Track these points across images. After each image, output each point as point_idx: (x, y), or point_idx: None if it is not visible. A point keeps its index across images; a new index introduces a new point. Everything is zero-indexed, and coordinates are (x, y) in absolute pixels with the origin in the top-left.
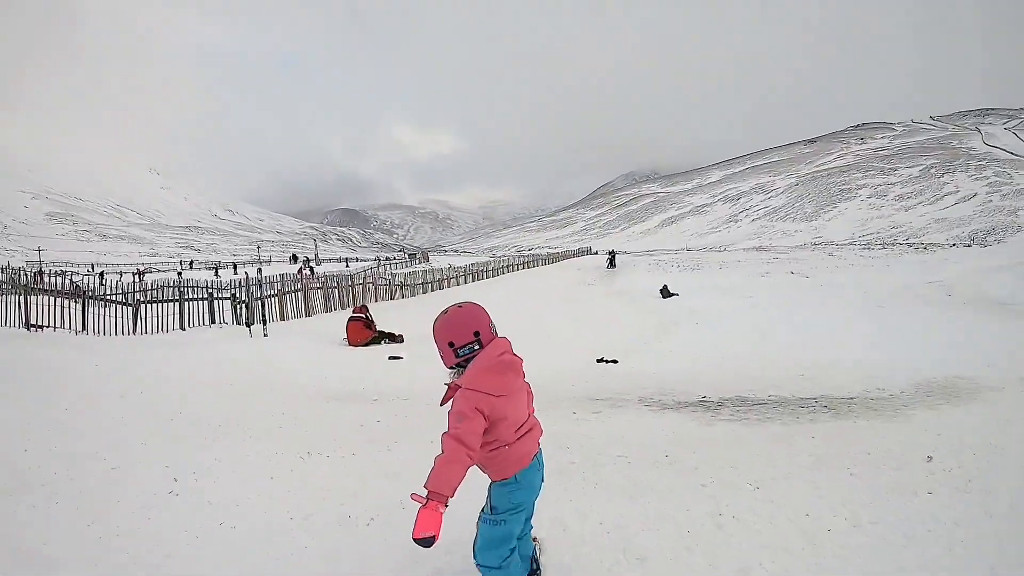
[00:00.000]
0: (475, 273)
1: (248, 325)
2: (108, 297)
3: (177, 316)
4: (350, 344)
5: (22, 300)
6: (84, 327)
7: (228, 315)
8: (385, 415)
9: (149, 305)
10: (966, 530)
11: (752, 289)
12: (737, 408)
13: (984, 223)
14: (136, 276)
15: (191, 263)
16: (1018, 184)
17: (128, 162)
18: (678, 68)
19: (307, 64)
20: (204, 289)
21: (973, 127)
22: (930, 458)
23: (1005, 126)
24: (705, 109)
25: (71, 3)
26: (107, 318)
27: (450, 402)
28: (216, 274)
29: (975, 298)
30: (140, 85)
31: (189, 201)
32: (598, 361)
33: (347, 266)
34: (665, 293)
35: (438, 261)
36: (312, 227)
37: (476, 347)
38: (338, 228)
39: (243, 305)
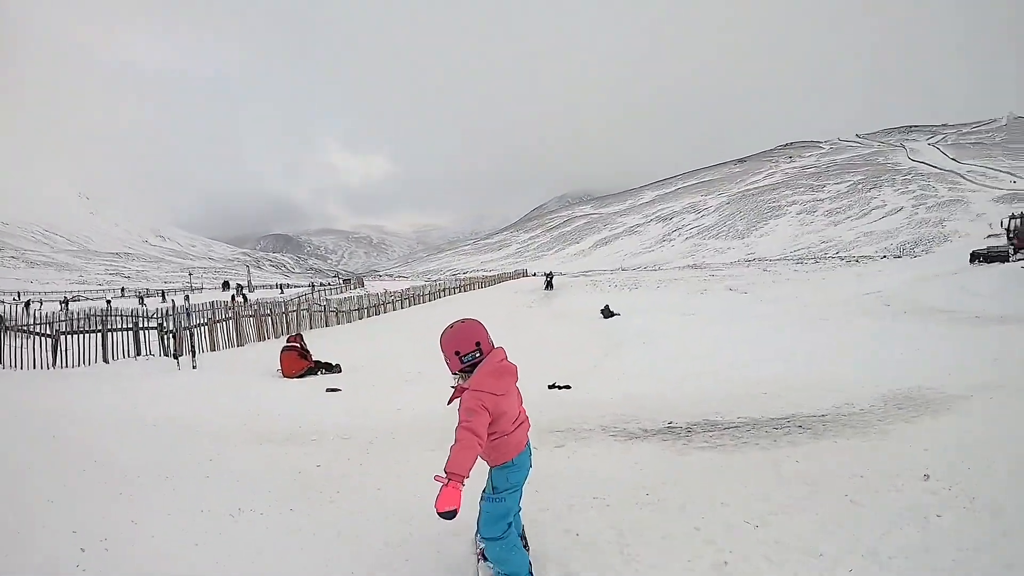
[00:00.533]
0: (412, 298)
1: (176, 357)
2: (25, 327)
3: (101, 348)
4: (284, 375)
5: None
6: (0, 359)
7: (156, 346)
8: (325, 458)
9: (70, 336)
10: (990, 555)
11: (693, 306)
12: (709, 433)
13: (911, 235)
14: (63, 304)
15: (122, 290)
16: (942, 197)
17: (56, 186)
18: (609, 90)
19: (240, 87)
20: (129, 318)
21: (898, 143)
22: (927, 476)
23: (929, 141)
24: (637, 131)
25: None
26: (25, 350)
27: (457, 400)
28: (142, 302)
29: (914, 307)
30: (69, 104)
31: (119, 227)
32: (550, 387)
33: (282, 292)
34: (607, 313)
35: (373, 286)
36: (245, 253)
37: (478, 355)
38: (272, 254)
39: (170, 335)
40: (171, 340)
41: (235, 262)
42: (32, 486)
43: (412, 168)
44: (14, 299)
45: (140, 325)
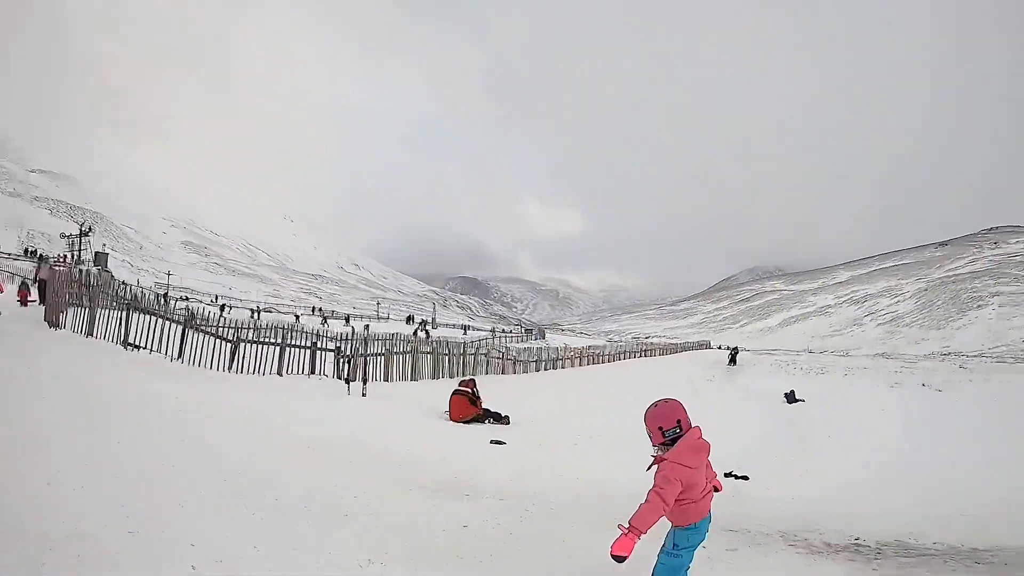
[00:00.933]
0: (592, 356)
1: (347, 382)
2: (207, 329)
3: (277, 361)
4: (451, 419)
5: (123, 316)
6: (180, 355)
7: (331, 368)
8: (475, 518)
9: (249, 345)
10: None
11: (883, 400)
12: (901, 559)
13: None
14: (253, 313)
15: (313, 309)
16: None
17: (266, 207)
18: (808, 162)
19: (446, 129)
20: (309, 337)
21: None
22: None
23: None
24: (834, 207)
25: (227, 63)
26: (206, 350)
27: (655, 468)
28: (324, 322)
29: None
30: (286, 138)
31: (318, 250)
32: (726, 475)
33: (465, 333)
34: (791, 399)
35: (554, 340)
36: (434, 290)
37: (678, 431)
38: (459, 295)
39: (346, 360)
40: (346, 365)
41: (423, 298)
42: (167, 485)
43: (604, 227)
44: (212, 301)
45: (319, 345)
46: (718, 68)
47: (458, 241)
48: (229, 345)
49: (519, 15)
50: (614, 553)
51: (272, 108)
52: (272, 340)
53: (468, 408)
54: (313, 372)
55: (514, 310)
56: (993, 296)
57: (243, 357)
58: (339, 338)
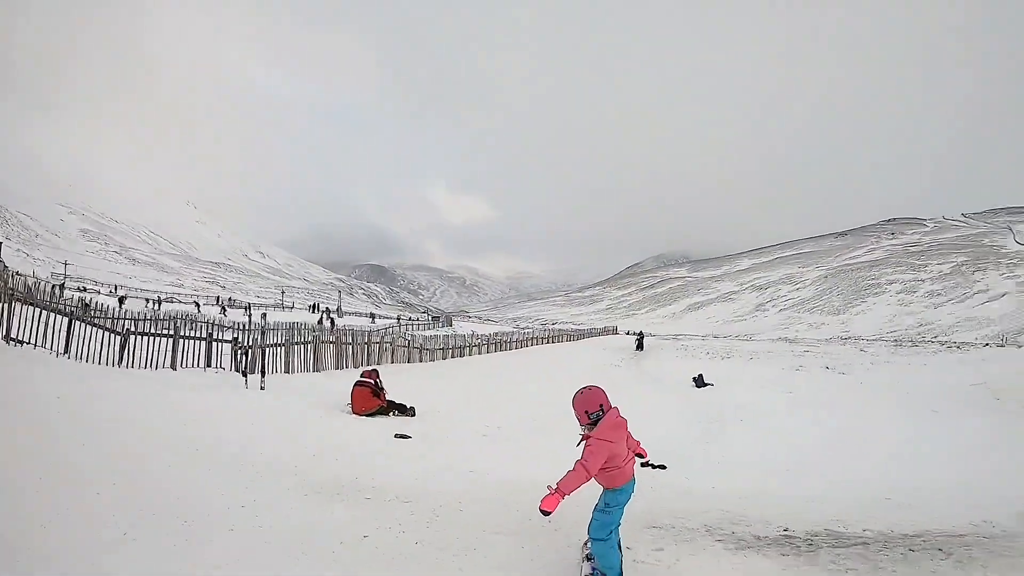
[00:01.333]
0: (499, 343)
1: (245, 375)
2: (95, 322)
3: (171, 353)
4: (354, 412)
5: (5, 308)
6: (67, 350)
7: (228, 360)
8: (376, 527)
9: (141, 338)
10: None
11: (789, 383)
12: (835, 550)
13: (1015, 323)
14: (150, 304)
15: (217, 299)
16: None
17: (167, 192)
18: (716, 154)
19: (352, 117)
20: (204, 327)
21: (1005, 225)
22: None
23: None
24: (740, 197)
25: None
26: (93, 343)
27: (583, 443)
28: (223, 312)
29: None
30: (187, 120)
31: (222, 238)
32: (643, 464)
33: (373, 321)
34: (699, 383)
35: (462, 326)
36: (340, 279)
37: (601, 413)
38: (365, 283)
39: (243, 352)
40: (244, 357)
41: (329, 286)
42: (42, 494)
43: (512, 214)
44: (110, 292)
45: (215, 336)
46: (627, 58)
47: (365, 229)
48: (118, 338)
49: (428, 4)
50: (542, 508)
51: (175, 92)
52: (165, 332)
53: (371, 400)
54: (210, 365)
55: (421, 297)
56: (890, 284)
57: (133, 351)
58: (236, 328)
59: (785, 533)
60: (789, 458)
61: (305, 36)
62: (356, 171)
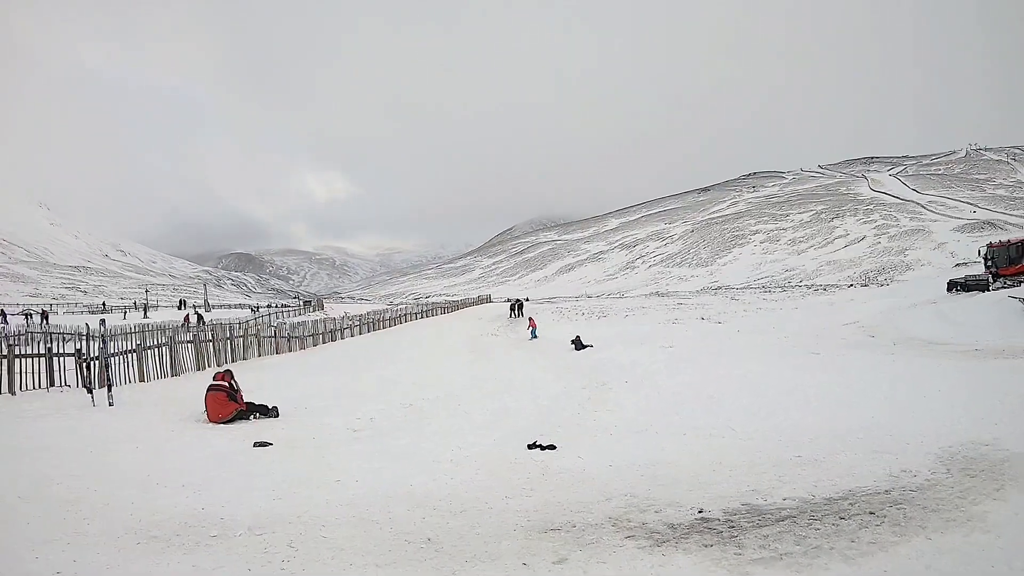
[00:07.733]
0: (372, 323)
1: (90, 391)
2: None
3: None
4: (210, 421)
5: None
6: None
7: (75, 375)
8: None
9: None
10: None
11: (668, 338)
12: (759, 530)
13: (875, 264)
14: (41, 319)
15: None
16: (904, 226)
17: (14, 193)
18: (584, 116)
19: (199, 100)
20: (40, 343)
21: (860, 174)
22: None
23: (890, 172)
24: (609, 158)
25: None
26: None
27: None
28: (45, 319)
29: (901, 339)
30: (35, 116)
31: (79, 239)
32: (530, 447)
33: (254, 312)
34: (579, 345)
35: (334, 309)
36: (207, 271)
37: None
38: (233, 273)
39: (85, 364)
40: (86, 369)
41: (196, 280)
42: None
43: (376, 190)
44: None
45: (55, 351)
46: (498, 28)
47: (227, 216)
48: None
49: None
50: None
51: (19, 83)
52: None
53: (227, 405)
54: (52, 384)
55: (291, 282)
56: (754, 234)
57: None
58: (76, 338)
59: (701, 516)
60: (684, 420)
61: (132, 10)
62: (208, 156)
